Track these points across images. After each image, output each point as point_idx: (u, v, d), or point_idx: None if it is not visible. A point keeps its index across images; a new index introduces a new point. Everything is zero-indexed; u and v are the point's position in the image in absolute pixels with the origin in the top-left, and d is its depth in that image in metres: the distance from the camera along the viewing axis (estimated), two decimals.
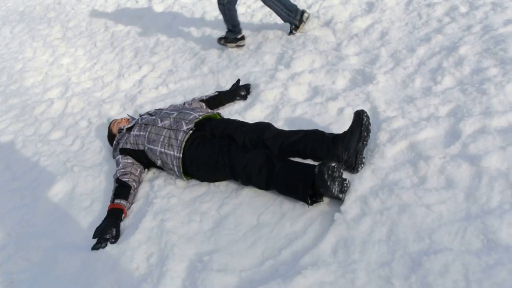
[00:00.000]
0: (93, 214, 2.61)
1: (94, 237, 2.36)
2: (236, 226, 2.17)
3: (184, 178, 2.56)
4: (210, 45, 4.30)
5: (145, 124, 2.76)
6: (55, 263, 2.26)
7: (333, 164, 1.96)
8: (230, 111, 3.06)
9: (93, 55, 5.13)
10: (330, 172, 1.94)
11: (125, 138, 2.81)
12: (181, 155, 2.49)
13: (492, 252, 1.59)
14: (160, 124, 2.67)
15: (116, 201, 2.54)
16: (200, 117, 2.64)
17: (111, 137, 3.10)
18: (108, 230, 2.35)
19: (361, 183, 2.05)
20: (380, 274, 1.66)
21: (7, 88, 4.93)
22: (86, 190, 2.85)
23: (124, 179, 2.64)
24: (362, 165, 2.17)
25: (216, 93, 3.21)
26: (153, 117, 2.78)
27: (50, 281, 2.18)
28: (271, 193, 2.26)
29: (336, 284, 1.68)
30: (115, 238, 2.34)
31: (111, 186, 2.75)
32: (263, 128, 2.47)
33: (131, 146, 2.76)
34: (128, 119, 3.12)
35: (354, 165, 2.15)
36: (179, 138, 2.52)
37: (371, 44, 3.33)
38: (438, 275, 1.57)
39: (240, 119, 2.92)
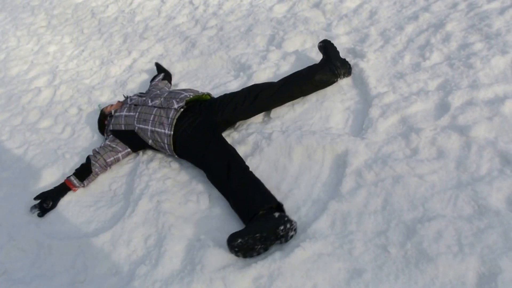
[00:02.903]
0: (86, 200, 2.61)
1: (35, 198, 2.61)
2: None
3: (176, 156, 2.57)
4: (200, 28, 4.27)
5: (135, 105, 2.76)
6: (49, 250, 2.26)
7: (293, 224, 1.89)
8: (223, 92, 3.06)
9: (81, 42, 5.05)
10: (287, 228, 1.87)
11: (114, 119, 2.82)
12: (172, 132, 2.49)
13: (482, 217, 1.65)
14: (150, 104, 2.68)
15: (71, 178, 2.68)
16: (191, 96, 2.65)
17: (101, 124, 3.09)
18: (48, 201, 2.58)
19: (355, 157, 2.10)
20: (377, 243, 1.72)
21: None
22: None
23: (92, 161, 2.71)
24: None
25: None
26: (143, 98, 2.78)
27: (45, 268, 2.19)
28: (267, 171, 2.29)
29: (334, 255, 1.73)
30: (44, 212, 2.56)
31: (104, 172, 2.77)
32: (245, 96, 2.61)
33: (121, 127, 2.76)
34: (122, 103, 3.10)
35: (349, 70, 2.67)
36: (170, 116, 2.53)
37: (361, 23, 3.35)
38: (432, 241, 1.63)
39: None
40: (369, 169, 2.02)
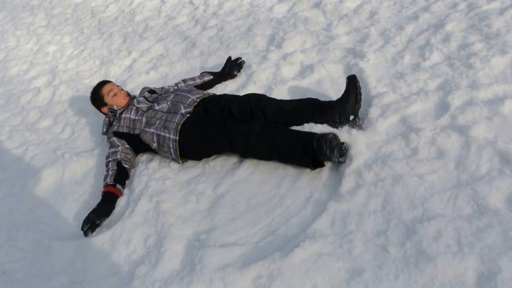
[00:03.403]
0: (85, 200, 2.61)
1: (85, 230, 2.31)
2: (233, 204, 2.20)
3: (180, 161, 2.55)
4: (200, 28, 4.27)
5: (143, 110, 2.72)
6: (49, 250, 2.26)
7: (330, 136, 2.03)
8: (223, 92, 3.07)
9: (80, 42, 5.05)
10: (328, 143, 2.02)
11: (121, 121, 2.75)
12: (177, 137, 2.48)
13: (482, 216, 1.65)
14: (157, 107, 2.66)
15: (117, 186, 2.53)
16: (198, 100, 2.63)
17: (100, 103, 2.96)
18: (102, 218, 2.38)
19: (355, 157, 2.10)
20: (376, 243, 1.72)
21: None
22: (78, 176, 2.84)
23: (126, 165, 2.65)
24: (359, 125, 2.30)
25: (211, 77, 3.19)
26: (149, 104, 2.74)
27: (45, 268, 2.18)
28: (267, 171, 2.30)
29: (334, 255, 1.73)
30: (95, 228, 2.33)
31: (103, 172, 2.73)
32: (258, 98, 2.48)
33: (127, 130, 2.72)
34: (128, 96, 2.98)
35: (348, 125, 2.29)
36: (176, 121, 2.52)
37: (361, 23, 3.36)
38: (432, 241, 1.62)
39: None
40: (368, 169, 2.02)
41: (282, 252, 1.81)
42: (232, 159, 2.46)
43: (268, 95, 2.83)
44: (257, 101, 2.45)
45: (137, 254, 2.08)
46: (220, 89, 3.12)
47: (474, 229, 1.62)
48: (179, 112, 2.55)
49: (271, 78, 3.04)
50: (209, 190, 2.34)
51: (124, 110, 2.80)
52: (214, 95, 2.72)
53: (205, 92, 2.79)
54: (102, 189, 2.53)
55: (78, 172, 2.88)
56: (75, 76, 4.32)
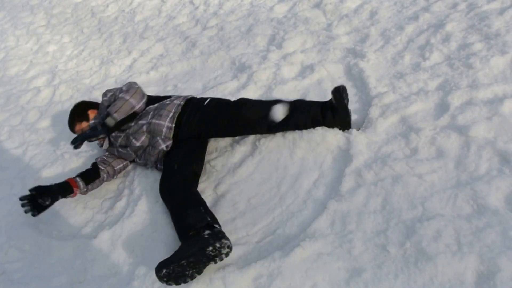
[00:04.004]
0: (85, 200, 2.61)
1: (30, 190, 2.25)
2: (233, 204, 2.20)
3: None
4: (200, 28, 4.27)
5: (122, 146, 2.61)
6: (48, 251, 2.26)
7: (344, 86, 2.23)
8: (223, 93, 3.07)
9: (80, 42, 5.05)
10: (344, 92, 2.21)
11: (109, 150, 2.69)
12: (162, 166, 2.46)
13: (481, 216, 1.66)
14: (137, 144, 2.51)
15: (77, 178, 2.49)
16: (173, 126, 2.44)
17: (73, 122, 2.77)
18: (46, 197, 2.28)
19: (355, 157, 2.10)
20: (376, 243, 1.72)
21: None
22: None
23: (100, 166, 2.60)
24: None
25: None
26: (126, 137, 2.56)
27: (44, 268, 2.18)
28: (267, 171, 2.30)
29: (333, 255, 1.73)
30: (39, 210, 2.25)
31: (110, 180, 2.70)
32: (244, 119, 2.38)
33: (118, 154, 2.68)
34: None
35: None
36: (159, 154, 2.49)
37: (361, 23, 3.36)
38: (432, 240, 1.63)
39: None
40: (368, 168, 2.02)
41: (282, 252, 1.81)
42: (233, 159, 2.46)
43: (269, 95, 2.84)
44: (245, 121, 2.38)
45: (137, 254, 2.08)
46: (221, 91, 3.12)
47: (473, 228, 1.62)
48: (160, 148, 2.46)
49: (271, 78, 3.04)
50: (209, 189, 2.34)
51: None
52: (190, 113, 2.48)
53: (178, 102, 2.53)
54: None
55: (77, 173, 2.87)
56: (75, 76, 4.32)
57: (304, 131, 2.32)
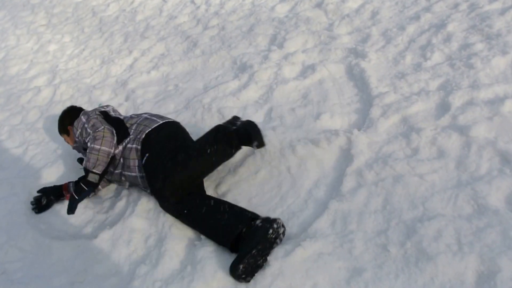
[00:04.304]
0: (85, 201, 2.59)
1: (38, 191, 2.61)
2: (234, 204, 2.20)
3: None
4: (202, 27, 4.27)
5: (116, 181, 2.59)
6: (49, 251, 2.25)
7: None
8: (224, 92, 3.07)
9: (81, 41, 5.05)
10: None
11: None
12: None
13: (482, 216, 1.66)
14: (127, 187, 2.53)
15: (70, 184, 2.60)
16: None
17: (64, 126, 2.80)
18: (43, 197, 2.57)
19: (356, 157, 2.10)
20: (377, 242, 1.72)
21: None
22: (77, 177, 2.83)
23: None
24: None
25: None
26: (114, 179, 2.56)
27: (44, 268, 2.17)
28: (268, 170, 2.30)
29: (334, 254, 1.73)
30: (40, 209, 2.57)
31: (107, 186, 2.69)
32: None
33: None
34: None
35: None
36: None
37: (363, 23, 3.37)
38: (432, 240, 1.63)
39: (235, 100, 2.94)
40: (369, 168, 2.02)
41: (283, 252, 1.81)
42: (234, 159, 2.46)
43: (269, 95, 2.85)
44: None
45: (138, 253, 2.07)
46: (221, 89, 3.12)
47: (474, 228, 1.62)
48: (147, 191, 2.37)
49: (273, 78, 3.05)
50: (210, 189, 2.34)
51: None
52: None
53: (135, 146, 2.36)
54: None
55: (78, 172, 2.87)
56: (75, 75, 4.32)
57: (305, 131, 2.32)
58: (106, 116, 2.53)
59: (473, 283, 1.48)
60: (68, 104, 3.74)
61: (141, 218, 2.25)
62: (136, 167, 2.33)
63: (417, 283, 1.54)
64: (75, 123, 2.55)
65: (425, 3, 3.30)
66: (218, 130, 2.14)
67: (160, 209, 2.25)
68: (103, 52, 4.61)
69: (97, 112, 2.54)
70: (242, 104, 2.88)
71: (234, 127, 2.14)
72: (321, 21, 3.62)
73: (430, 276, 1.54)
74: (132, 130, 2.41)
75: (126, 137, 2.39)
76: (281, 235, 1.84)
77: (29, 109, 3.88)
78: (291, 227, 1.96)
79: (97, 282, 2.00)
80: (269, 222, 1.83)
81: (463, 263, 1.53)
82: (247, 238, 1.84)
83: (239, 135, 2.09)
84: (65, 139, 2.84)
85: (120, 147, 2.39)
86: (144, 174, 2.27)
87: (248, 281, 1.75)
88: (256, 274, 1.76)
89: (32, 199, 2.62)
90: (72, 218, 2.49)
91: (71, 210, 2.33)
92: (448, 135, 2.03)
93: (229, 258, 1.87)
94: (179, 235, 2.08)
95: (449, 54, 2.62)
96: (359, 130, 2.28)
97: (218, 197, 2.27)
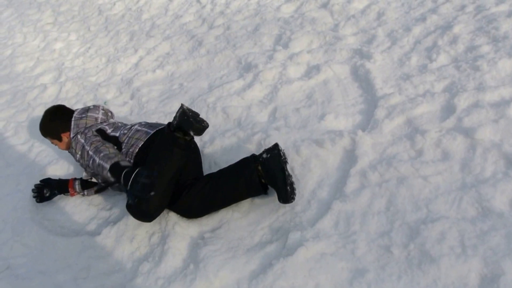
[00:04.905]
0: (89, 198, 2.61)
1: (41, 180, 2.60)
2: (237, 203, 2.20)
3: None
4: (207, 27, 4.28)
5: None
6: (53, 247, 2.27)
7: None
8: (229, 92, 3.08)
9: (87, 40, 5.08)
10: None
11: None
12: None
13: (486, 219, 1.65)
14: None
15: (76, 181, 2.58)
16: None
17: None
18: (46, 189, 2.56)
19: (360, 158, 2.10)
20: (380, 244, 1.72)
21: None
22: (83, 173, 2.85)
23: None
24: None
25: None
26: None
27: (48, 264, 2.19)
28: None
29: (337, 255, 1.73)
30: (42, 199, 2.57)
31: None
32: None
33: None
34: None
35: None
36: None
37: (368, 24, 3.36)
38: (436, 242, 1.63)
39: (239, 99, 2.94)
40: (373, 169, 2.02)
41: (285, 251, 1.81)
42: (237, 158, 2.46)
43: (274, 95, 2.85)
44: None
45: (141, 251, 2.09)
46: (226, 88, 3.12)
47: (478, 231, 1.62)
48: None
49: (277, 78, 3.05)
50: None
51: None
52: None
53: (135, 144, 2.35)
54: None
55: (83, 169, 2.88)
56: (81, 73, 4.34)
57: (310, 131, 2.32)
58: (103, 134, 2.47)
59: (476, 286, 1.48)
60: (73, 102, 3.77)
61: None
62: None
63: (419, 285, 1.54)
64: (73, 143, 2.48)
65: (431, 4, 3.29)
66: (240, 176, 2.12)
67: None
68: (109, 51, 4.63)
69: (94, 133, 2.47)
70: (247, 103, 2.88)
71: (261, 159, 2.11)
72: (327, 22, 3.62)
73: (433, 278, 1.54)
74: (124, 144, 2.39)
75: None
76: (285, 154, 2.12)
77: (35, 106, 3.90)
78: (293, 227, 1.95)
79: (100, 279, 2.01)
80: (273, 149, 2.06)
81: (467, 265, 1.52)
82: (267, 172, 2.04)
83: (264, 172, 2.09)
84: (53, 143, 2.67)
85: None
86: None
87: (294, 199, 1.98)
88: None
89: (33, 187, 2.60)
90: (76, 215, 2.50)
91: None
92: (453, 137, 2.02)
93: (232, 258, 1.88)
94: (182, 233, 2.09)
95: (455, 56, 2.61)
96: (363, 131, 2.28)
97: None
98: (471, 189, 1.77)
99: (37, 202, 2.58)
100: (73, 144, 2.48)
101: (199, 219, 2.19)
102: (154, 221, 2.19)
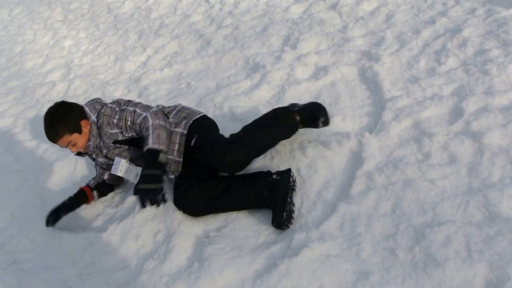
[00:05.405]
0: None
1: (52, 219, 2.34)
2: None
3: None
4: (215, 27, 4.29)
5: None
6: (59, 242, 2.29)
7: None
8: (236, 92, 3.08)
9: (96, 38, 5.11)
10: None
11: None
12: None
13: (493, 223, 1.64)
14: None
15: (94, 193, 2.48)
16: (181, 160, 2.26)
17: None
18: (63, 213, 2.36)
19: (366, 160, 2.09)
20: (385, 246, 1.72)
21: (6, 70, 4.89)
22: (90, 170, 2.87)
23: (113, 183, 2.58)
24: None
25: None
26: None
27: (54, 259, 2.21)
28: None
29: (342, 256, 1.73)
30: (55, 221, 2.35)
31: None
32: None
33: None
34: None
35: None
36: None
37: (377, 26, 3.35)
38: (441, 246, 1.62)
39: (247, 99, 2.94)
40: (380, 172, 2.01)
41: (290, 252, 1.81)
42: None
43: (281, 96, 2.85)
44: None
45: (146, 248, 2.09)
46: (234, 88, 3.13)
47: (484, 236, 1.61)
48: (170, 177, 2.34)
49: (285, 78, 3.05)
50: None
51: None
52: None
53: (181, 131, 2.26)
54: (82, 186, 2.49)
55: (89, 167, 2.91)
56: (90, 71, 4.37)
57: (316, 132, 2.32)
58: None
59: None
60: (81, 99, 3.80)
61: (151, 214, 2.26)
62: (175, 151, 2.23)
63: None
64: (105, 113, 2.23)
65: (441, 7, 3.27)
66: (277, 110, 2.23)
67: (170, 205, 2.27)
68: (117, 49, 4.66)
69: (125, 100, 2.33)
70: (254, 103, 2.89)
71: (296, 108, 2.24)
72: (335, 23, 3.61)
73: (438, 282, 1.53)
74: (172, 115, 2.30)
75: None
76: (295, 181, 2.10)
77: (44, 102, 3.94)
78: (299, 228, 1.95)
79: (105, 275, 2.02)
80: (284, 173, 2.05)
81: (472, 270, 1.52)
82: (271, 192, 2.02)
83: (302, 114, 2.20)
84: (70, 143, 2.27)
85: None
86: (181, 159, 2.24)
87: (289, 227, 1.96)
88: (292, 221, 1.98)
89: (51, 219, 2.35)
90: (83, 211, 2.52)
91: (164, 200, 2.11)
92: (460, 141, 2.01)
93: (237, 256, 1.88)
94: (187, 232, 2.10)
95: (464, 60, 2.60)
96: (370, 133, 2.27)
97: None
98: (478, 194, 1.76)
99: (52, 225, 2.36)
100: (107, 112, 2.22)
101: (204, 218, 2.20)
102: (160, 219, 2.21)
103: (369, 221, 1.84)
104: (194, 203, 2.16)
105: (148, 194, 2.03)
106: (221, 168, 2.12)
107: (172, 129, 2.23)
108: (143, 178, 2.05)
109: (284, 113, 2.21)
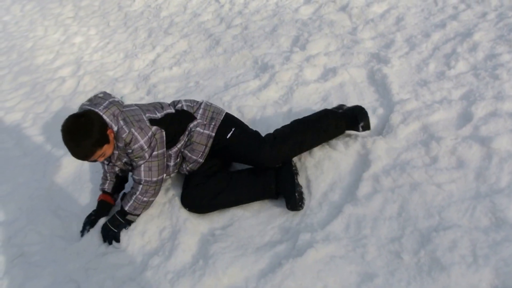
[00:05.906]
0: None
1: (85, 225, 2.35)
2: (248, 203, 2.21)
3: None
4: (225, 26, 4.30)
5: None
6: (66, 236, 2.31)
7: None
8: (245, 91, 3.09)
9: (106, 35, 5.14)
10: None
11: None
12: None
13: (499, 229, 1.63)
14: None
15: (115, 196, 2.44)
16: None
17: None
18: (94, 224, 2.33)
19: (373, 162, 2.09)
20: (390, 249, 1.72)
21: (17, 65, 4.93)
22: (97, 165, 2.88)
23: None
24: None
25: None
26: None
27: (61, 253, 2.22)
28: None
29: (346, 258, 1.73)
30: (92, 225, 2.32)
31: None
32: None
33: None
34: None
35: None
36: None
37: (387, 29, 3.34)
38: (447, 250, 1.61)
39: (255, 99, 2.95)
40: (386, 174, 2.01)
41: (295, 252, 1.82)
42: None
43: (289, 96, 2.86)
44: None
45: (152, 245, 2.11)
46: (242, 88, 3.13)
47: (490, 241, 1.60)
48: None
49: (293, 79, 3.05)
50: None
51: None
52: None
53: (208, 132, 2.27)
54: (100, 194, 2.42)
55: (96, 165, 2.92)
56: (99, 67, 4.39)
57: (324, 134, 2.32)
58: (154, 121, 2.15)
59: None
60: (90, 95, 3.80)
61: (157, 211, 2.28)
62: (200, 153, 2.24)
63: None
64: (135, 152, 2.10)
65: (451, 11, 3.26)
66: (326, 112, 2.33)
67: (176, 202, 2.29)
68: (127, 46, 4.68)
69: (148, 124, 2.10)
70: (262, 103, 2.89)
71: (341, 111, 2.34)
72: (345, 25, 3.60)
73: (443, 286, 1.53)
74: (199, 115, 2.26)
75: (184, 132, 2.24)
76: (296, 166, 2.24)
77: (53, 98, 3.97)
78: (304, 228, 1.96)
79: (110, 270, 2.04)
80: (287, 169, 2.16)
81: (478, 275, 1.51)
82: (279, 179, 2.15)
83: (346, 117, 2.28)
84: (100, 156, 2.09)
85: (182, 142, 2.25)
86: (203, 161, 2.28)
87: (303, 207, 2.08)
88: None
89: (86, 231, 2.32)
90: (91, 206, 2.53)
91: (117, 240, 2.18)
92: (468, 146, 2.00)
93: (241, 256, 1.89)
94: (193, 230, 2.11)
95: (474, 64, 2.58)
96: (378, 135, 2.27)
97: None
98: (485, 199, 1.75)
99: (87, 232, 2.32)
100: (133, 150, 2.10)
101: (210, 216, 2.21)
102: (165, 216, 2.23)
103: (375, 223, 1.84)
104: (202, 199, 2.21)
105: (108, 232, 2.21)
106: (260, 161, 2.23)
107: (202, 131, 2.24)
108: (111, 218, 2.25)
109: (334, 119, 2.29)
